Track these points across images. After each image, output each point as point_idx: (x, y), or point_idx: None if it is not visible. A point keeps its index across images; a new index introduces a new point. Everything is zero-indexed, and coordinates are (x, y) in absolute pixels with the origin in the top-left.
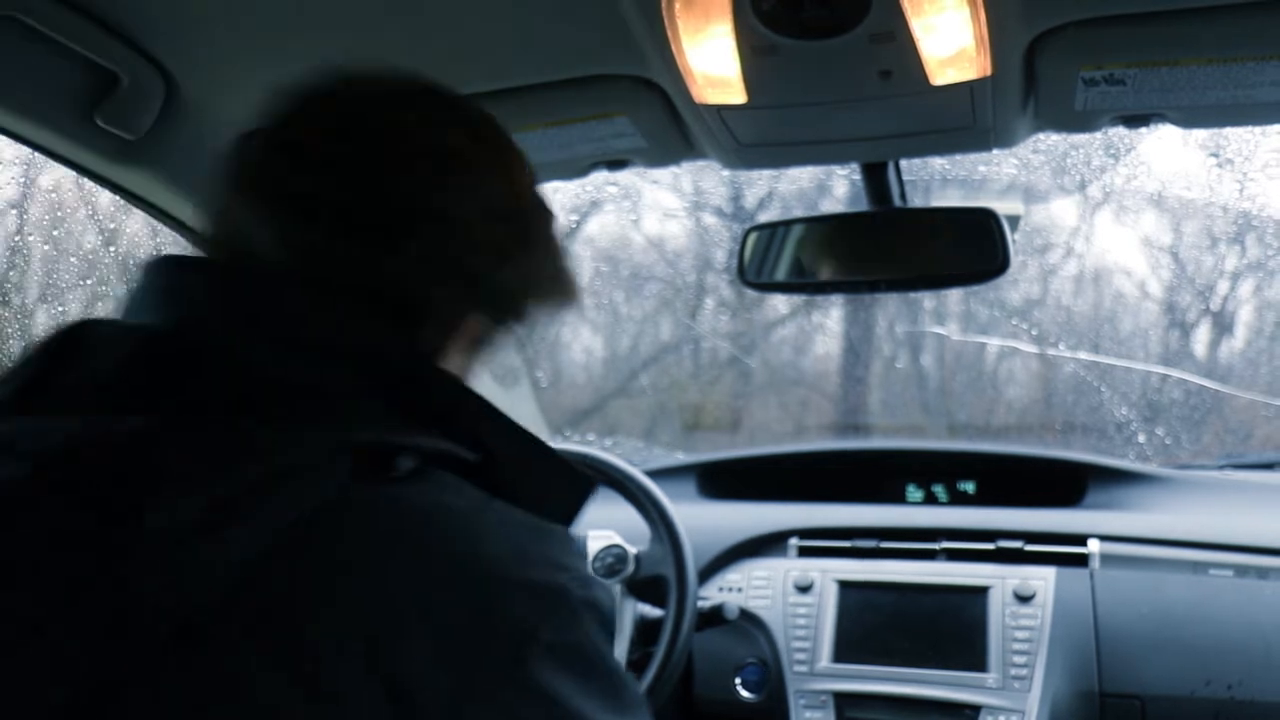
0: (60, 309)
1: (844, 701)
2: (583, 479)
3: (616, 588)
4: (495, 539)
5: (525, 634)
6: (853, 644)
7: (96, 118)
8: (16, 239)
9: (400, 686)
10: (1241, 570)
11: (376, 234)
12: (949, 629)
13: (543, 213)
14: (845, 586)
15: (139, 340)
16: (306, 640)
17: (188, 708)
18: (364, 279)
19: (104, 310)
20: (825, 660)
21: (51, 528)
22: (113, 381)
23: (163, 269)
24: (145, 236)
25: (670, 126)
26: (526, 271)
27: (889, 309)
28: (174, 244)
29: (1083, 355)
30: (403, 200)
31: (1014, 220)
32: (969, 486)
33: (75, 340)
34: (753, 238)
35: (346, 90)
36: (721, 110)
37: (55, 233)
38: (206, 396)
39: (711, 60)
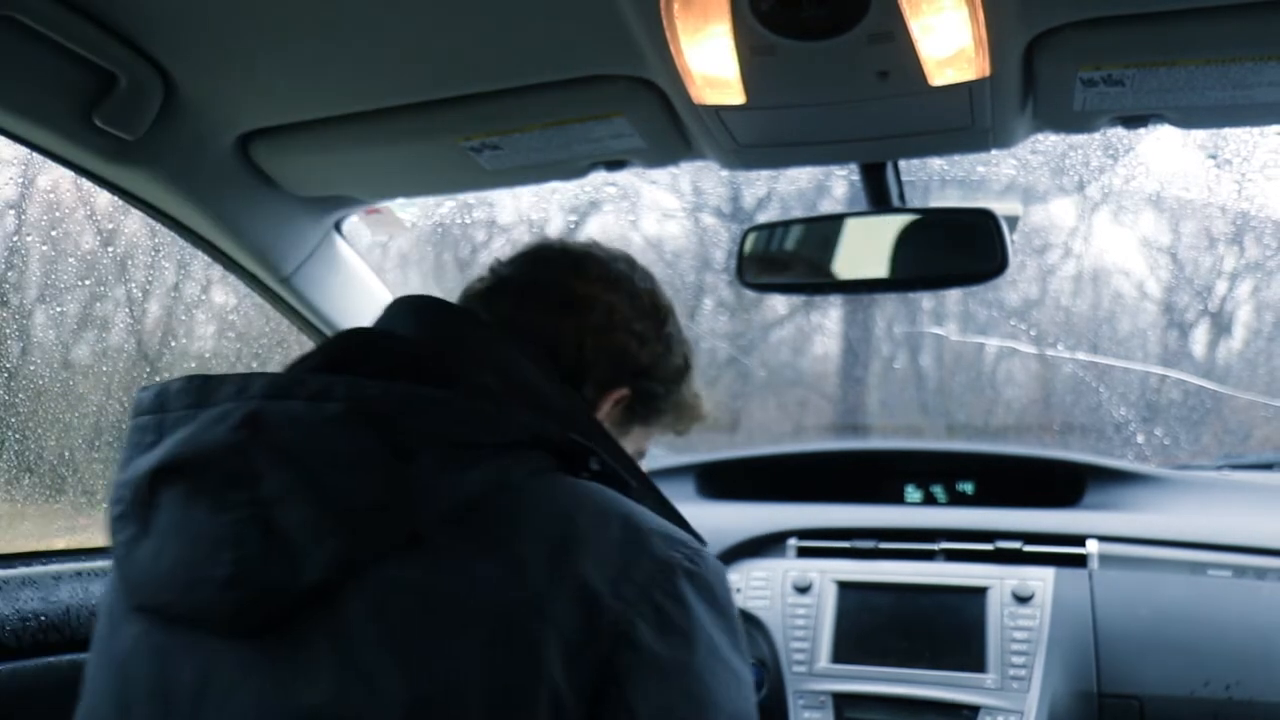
0: (59, 309)
1: (843, 702)
2: (695, 534)
3: None
4: (644, 514)
5: (669, 560)
6: (851, 644)
7: (95, 118)
8: (15, 239)
9: (577, 578)
10: (1240, 571)
11: (560, 310)
12: (947, 629)
13: (671, 315)
14: (844, 587)
15: (411, 346)
16: (513, 549)
17: (424, 584)
18: (549, 340)
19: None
20: (824, 661)
21: (351, 450)
22: (394, 365)
23: (417, 304)
24: (144, 236)
25: (669, 127)
26: (656, 355)
27: (888, 309)
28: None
29: (1081, 356)
30: (580, 297)
31: (1012, 221)
32: (968, 487)
33: (354, 337)
34: (751, 238)
35: (551, 240)
36: (720, 110)
37: (53, 233)
38: (458, 384)
39: (710, 60)
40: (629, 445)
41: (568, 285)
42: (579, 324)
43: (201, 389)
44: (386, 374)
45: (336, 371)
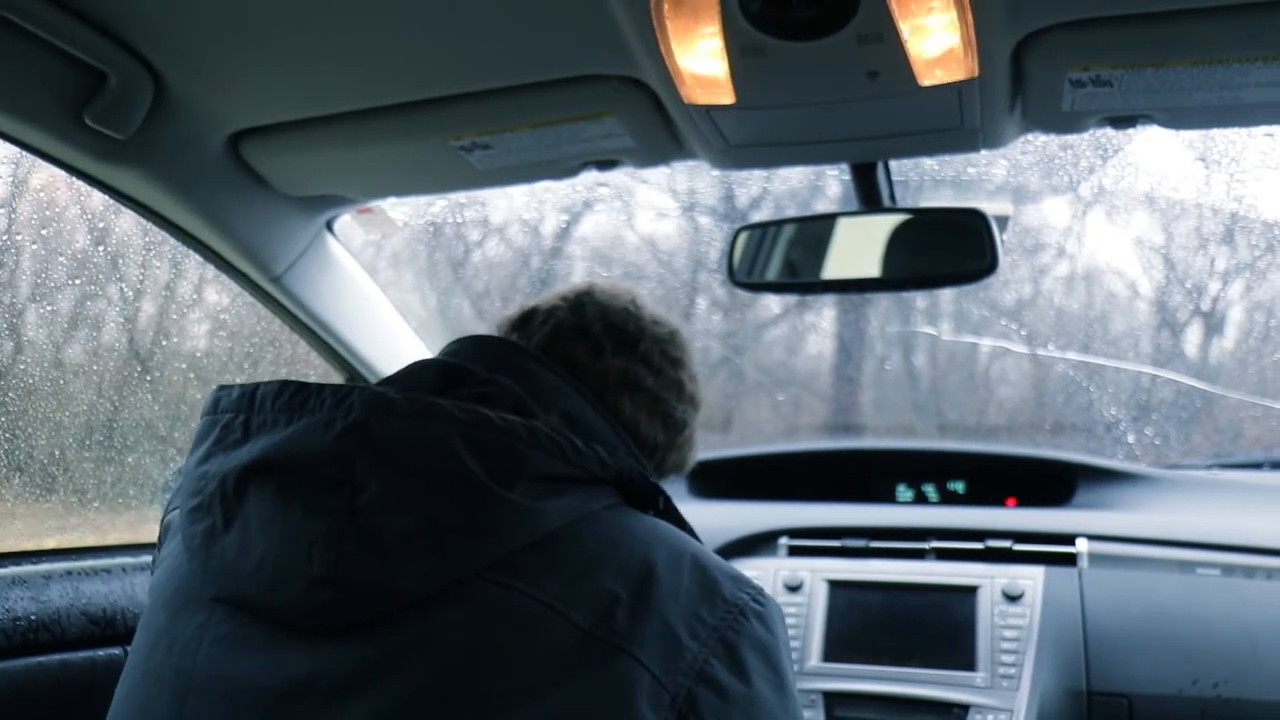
0: (49, 308)
1: (833, 700)
2: None
3: None
4: (711, 554)
5: (738, 602)
6: (842, 643)
7: (85, 117)
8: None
9: (658, 614)
10: (1229, 569)
11: (655, 416)
12: (938, 628)
13: (698, 400)
14: (835, 586)
15: (495, 381)
16: (599, 582)
17: (514, 607)
18: (632, 427)
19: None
20: (815, 659)
21: (454, 470)
22: (482, 395)
23: (492, 343)
24: (135, 236)
25: (659, 127)
26: (689, 441)
27: (881, 309)
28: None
29: (1073, 355)
30: (677, 414)
31: (1003, 221)
32: (959, 486)
33: (439, 366)
34: (743, 237)
35: (609, 294)
36: (710, 110)
37: (44, 232)
38: (536, 419)
39: (700, 61)
40: None
41: (671, 403)
42: (670, 442)
43: (296, 395)
44: (479, 403)
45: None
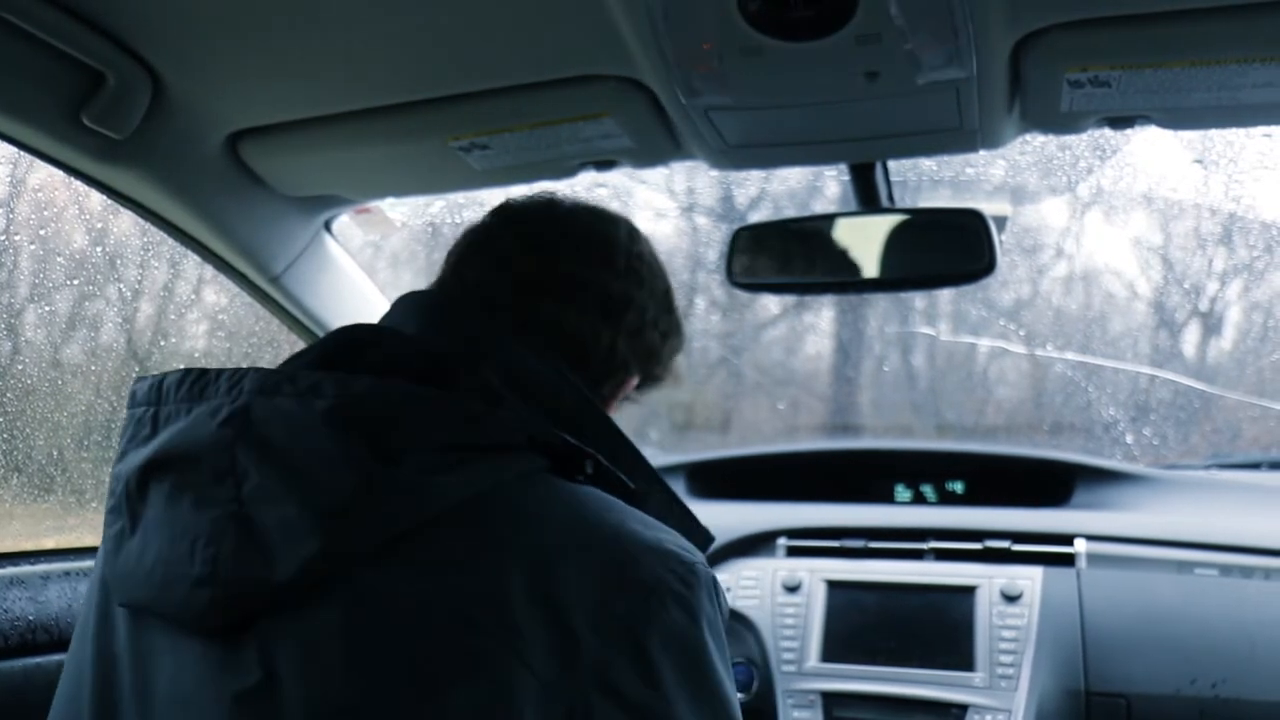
0: (48, 308)
1: (832, 701)
2: (703, 531)
3: None
4: (637, 523)
5: (657, 583)
6: (841, 643)
7: (83, 117)
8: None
9: (555, 608)
10: (1226, 569)
11: (599, 313)
12: (936, 628)
13: (674, 298)
14: (833, 586)
15: (410, 342)
16: (494, 562)
17: (397, 595)
18: (586, 344)
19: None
20: (813, 660)
21: (335, 449)
22: (389, 363)
23: (422, 299)
24: (134, 236)
25: (657, 127)
26: (674, 348)
27: (880, 309)
28: (162, 242)
29: (1071, 356)
30: (616, 299)
31: (1001, 221)
32: (957, 486)
33: (351, 334)
34: (741, 238)
35: (564, 205)
36: (709, 111)
37: (42, 231)
38: (454, 383)
39: (698, 61)
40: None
41: (605, 285)
42: (615, 328)
43: (196, 383)
44: (380, 372)
45: (330, 368)
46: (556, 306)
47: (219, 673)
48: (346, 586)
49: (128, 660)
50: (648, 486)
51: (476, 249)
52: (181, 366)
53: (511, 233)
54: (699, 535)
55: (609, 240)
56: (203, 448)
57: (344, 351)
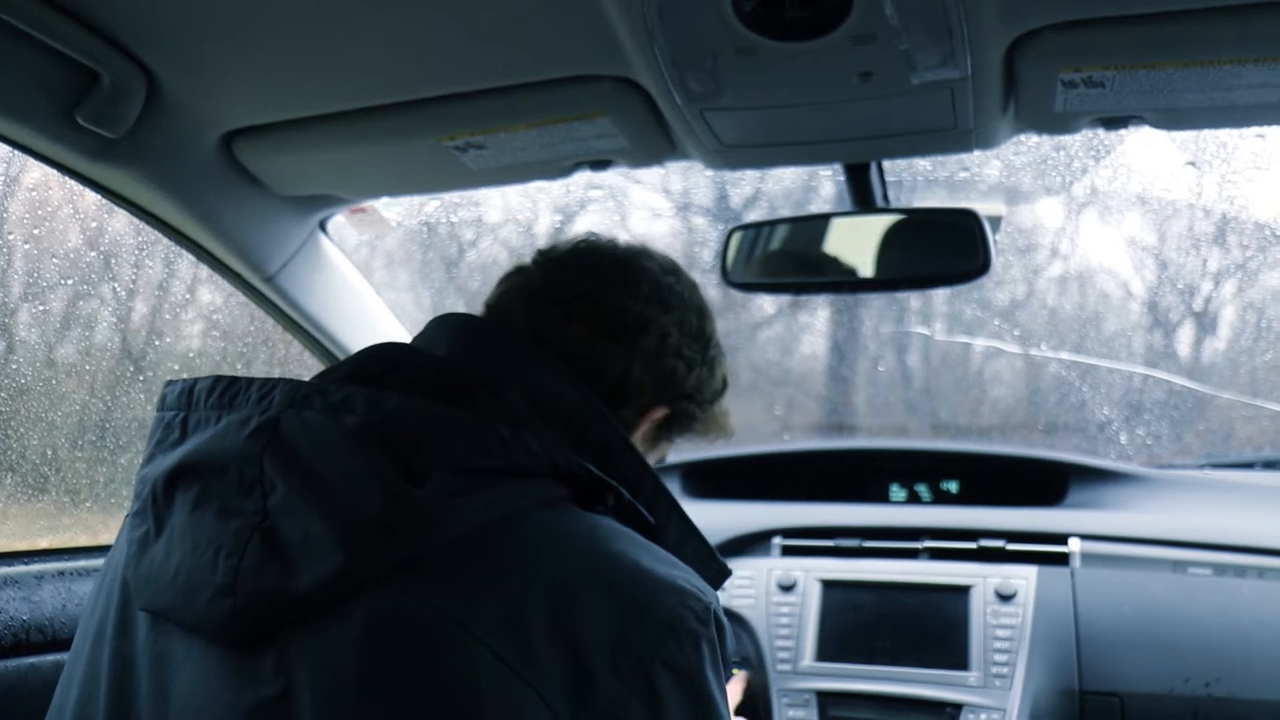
0: (42, 308)
1: (827, 700)
2: (719, 564)
3: None
4: (654, 560)
5: (676, 621)
6: (835, 642)
7: (78, 116)
8: None
9: (571, 639)
10: (1220, 569)
11: (611, 332)
12: (931, 628)
13: (714, 335)
14: (828, 585)
15: (439, 363)
16: (514, 589)
17: (417, 616)
18: (594, 362)
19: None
20: (808, 659)
21: (362, 466)
22: (419, 382)
23: (453, 321)
24: (128, 235)
25: (653, 127)
26: (701, 379)
27: (875, 309)
28: (157, 242)
29: (1066, 355)
30: (633, 319)
31: (995, 221)
32: (952, 486)
33: (383, 351)
34: (736, 237)
35: (600, 242)
36: (704, 111)
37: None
38: (480, 406)
39: (693, 60)
40: (652, 457)
41: (622, 305)
42: (630, 349)
43: (227, 391)
44: (411, 391)
45: (361, 384)
46: (564, 322)
47: (237, 683)
48: (366, 604)
49: (146, 665)
50: (667, 519)
51: (511, 282)
52: (176, 370)
53: (543, 266)
54: (715, 567)
55: (636, 267)
56: (230, 457)
57: (376, 367)
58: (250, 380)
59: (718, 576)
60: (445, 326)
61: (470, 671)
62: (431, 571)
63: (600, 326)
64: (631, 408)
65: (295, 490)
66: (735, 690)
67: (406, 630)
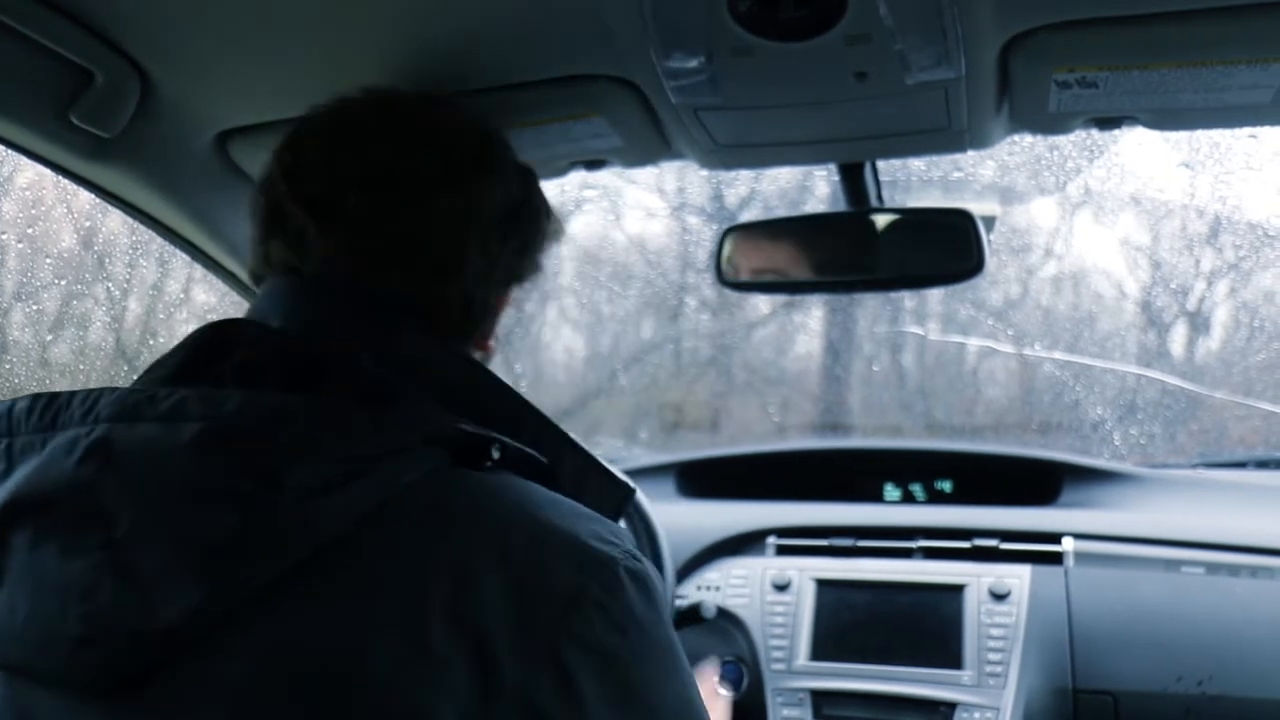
0: (35, 307)
1: (821, 699)
2: (623, 485)
3: None
4: (553, 515)
5: (576, 591)
6: (830, 642)
7: (71, 115)
8: None
9: (473, 627)
10: (1213, 568)
11: (433, 275)
12: (925, 627)
13: (544, 209)
14: (823, 585)
15: (278, 340)
16: (413, 585)
17: (301, 637)
18: (428, 300)
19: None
20: (803, 658)
21: (208, 479)
22: (258, 369)
23: (283, 286)
24: (122, 235)
25: (647, 127)
26: (545, 252)
27: (869, 309)
28: (151, 241)
29: (1059, 355)
30: (456, 251)
31: (989, 221)
32: (946, 485)
33: (216, 332)
34: (730, 238)
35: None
36: (698, 111)
37: (30, 230)
38: (330, 388)
39: (688, 60)
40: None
41: (448, 237)
42: (462, 283)
43: (48, 409)
44: (250, 379)
45: (193, 379)
46: (385, 267)
47: None
48: (246, 629)
49: None
50: (558, 453)
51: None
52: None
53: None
54: (620, 491)
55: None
56: (61, 490)
57: (203, 357)
58: (72, 394)
59: (623, 499)
60: (280, 290)
61: (367, 685)
62: (308, 582)
63: (427, 269)
64: (489, 321)
65: (140, 519)
66: (719, 712)
67: (293, 652)
